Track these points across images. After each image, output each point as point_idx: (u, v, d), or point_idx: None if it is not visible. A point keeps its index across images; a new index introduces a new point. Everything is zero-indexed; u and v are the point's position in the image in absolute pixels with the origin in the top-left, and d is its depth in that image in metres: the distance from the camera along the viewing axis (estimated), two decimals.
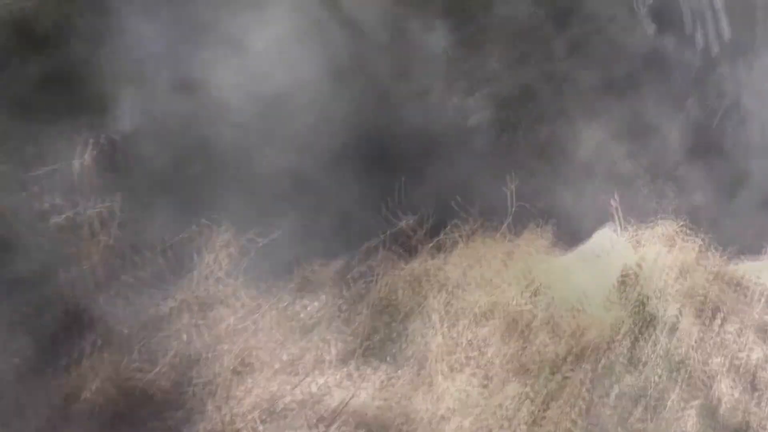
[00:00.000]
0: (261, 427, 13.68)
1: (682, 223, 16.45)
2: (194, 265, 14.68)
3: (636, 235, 16.02)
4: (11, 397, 13.00)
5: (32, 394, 13.18)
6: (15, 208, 14.36)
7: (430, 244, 15.52)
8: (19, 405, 13.00)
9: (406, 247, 15.59)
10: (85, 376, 13.47)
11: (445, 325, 14.75)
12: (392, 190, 15.45)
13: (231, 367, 14.08)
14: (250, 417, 13.69)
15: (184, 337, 14.26)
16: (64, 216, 14.31)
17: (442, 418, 13.83)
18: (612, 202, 16.47)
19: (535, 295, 14.86)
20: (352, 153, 15.80)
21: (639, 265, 15.11)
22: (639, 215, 16.57)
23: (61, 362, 13.63)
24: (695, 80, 19.40)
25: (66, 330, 14.01)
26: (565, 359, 14.40)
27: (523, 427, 13.87)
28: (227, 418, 13.50)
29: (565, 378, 14.23)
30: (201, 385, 13.95)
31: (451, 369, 14.44)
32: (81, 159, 14.46)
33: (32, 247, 14.31)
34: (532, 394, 14.11)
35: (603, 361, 14.35)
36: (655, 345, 14.55)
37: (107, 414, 13.32)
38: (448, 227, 15.55)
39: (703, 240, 16.23)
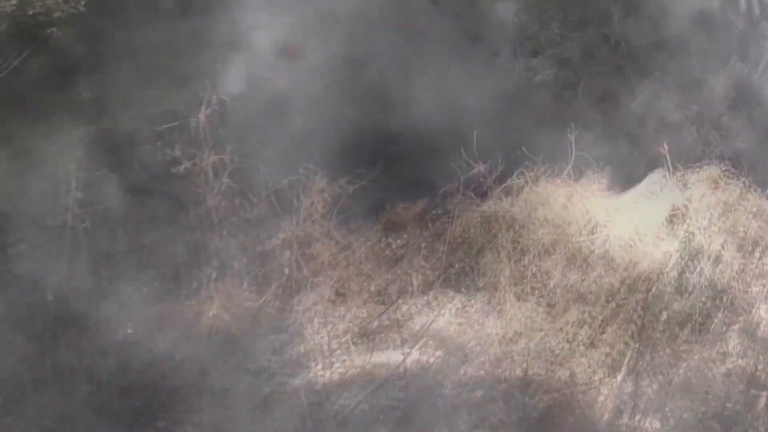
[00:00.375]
0: (353, 348, 13.93)
1: (725, 167, 16.25)
2: (295, 209, 14.94)
3: (683, 178, 15.86)
4: (151, 317, 13.50)
5: (165, 316, 13.67)
6: (146, 159, 14.83)
7: (500, 188, 15.57)
8: (157, 323, 13.48)
9: (479, 191, 15.66)
10: (204, 303, 13.93)
11: (513, 259, 14.85)
12: (467, 141, 15.47)
13: (327, 297, 14.36)
14: (344, 339, 14.00)
15: (286, 270, 14.60)
16: (183, 166, 14.72)
17: (511, 340, 13.93)
18: (662, 149, 16.31)
19: (593, 233, 14.93)
20: (431, 109, 15.86)
21: (686, 205, 14.99)
22: (686, 160, 16.40)
23: (184, 291, 14.11)
24: (738, 39, 19.12)
25: (188, 263, 14.48)
26: (619, 289, 14.46)
27: (582, 348, 13.95)
28: (324, 341, 13.77)
29: (619, 306, 14.28)
30: (301, 311, 14.29)
31: (518, 297, 14.55)
32: (197, 117, 14.86)
33: (160, 193, 14.75)
34: (589, 320, 14.20)
35: (653, 289, 14.36)
36: (701, 275, 14.51)
37: (222, 335, 13.71)
38: (516, 173, 15.60)
39: (744, 182, 16.06)
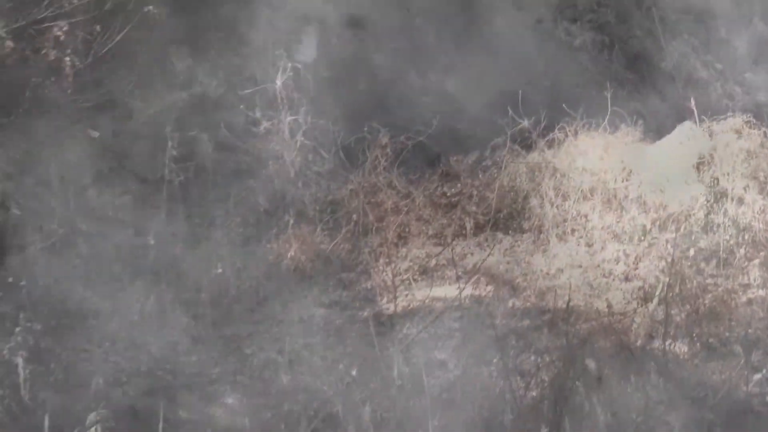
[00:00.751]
0: (414, 284, 14.02)
1: (747, 118, 15.83)
2: (361, 163, 15.01)
3: (709, 129, 15.51)
4: (237, 258, 13.75)
5: (252, 255, 13.93)
6: (231, 120, 15.11)
7: (543, 141, 15.39)
8: (243, 264, 13.74)
9: (525, 143, 15.54)
10: (283, 245, 14.05)
11: (555, 204, 14.79)
12: (513, 100, 15.35)
13: (390, 239, 14.43)
14: (406, 276, 14.10)
15: (354, 216, 14.66)
16: (263, 126, 14.94)
17: (554, 275, 13.98)
18: (689, 104, 16.10)
19: (627, 179, 14.77)
20: (481, 70, 15.87)
21: (711, 153, 14.71)
22: (711, 113, 16.05)
23: (266, 236, 14.27)
24: (760, 1, 18.71)
25: (268, 211, 14.65)
26: (651, 229, 14.35)
27: (617, 282, 13.90)
28: (388, 278, 13.77)
29: (651, 244, 14.18)
30: (368, 252, 14.43)
31: (560, 238, 14.57)
32: (274, 83, 14.94)
33: (244, 150, 15.04)
34: (624, 257, 14.14)
35: (682, 229, 14.23)
36: (725, 215, 14.31)
37: (300, 274, 13.88)
38: (557, 128, 15.38)
39: (765, 132, 15.63)
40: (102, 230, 13.37)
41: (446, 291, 13.85)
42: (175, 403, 11.82)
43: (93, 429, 11.23)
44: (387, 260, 14.11)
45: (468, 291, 13.71)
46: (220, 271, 13.53)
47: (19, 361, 11.34)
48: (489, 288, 13.90)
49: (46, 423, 10.67)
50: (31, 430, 10.86)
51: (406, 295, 13.81)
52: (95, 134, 13.97)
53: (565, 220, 14.70)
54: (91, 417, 11.25)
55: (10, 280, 12.12)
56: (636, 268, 14.02)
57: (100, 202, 13.69)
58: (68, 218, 13.17)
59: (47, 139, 13.36)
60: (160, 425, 11.00)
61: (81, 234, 13.15)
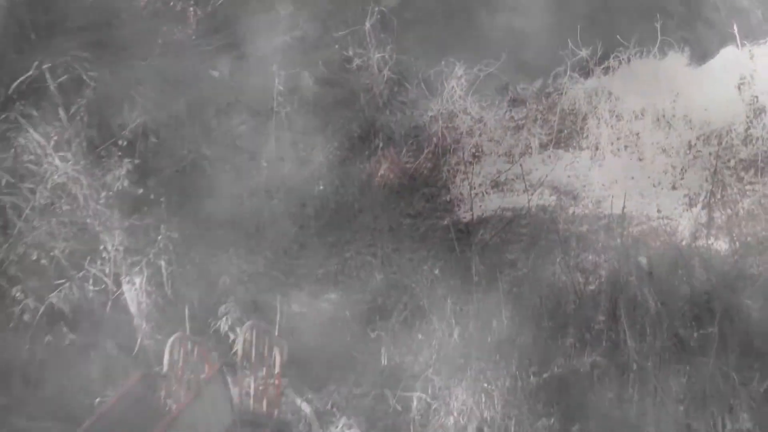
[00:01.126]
0: (487, 196, 14.21)
1: None
2: (439, 92, 15.01)
3: (750, 52, 15.13)
4: (337, 176, 14.13)
5: (348, 174, 14.31)
6: (328, 58, 15.34)
7: (600, 69, 15.29)
8: (341, 181, 14.13)
9: (584, 71, 15.45)
10: (374, 165, 14.45)
11: (610, 124, 14.72)
12: (573, 32, 15.17)
13: (466, 158, 14.52)
14: (480, 189, 14.24)
15: (434, 139, 14.85)
16: (355, 63, 15.07)
17: (609, 186, 14.00)
18: (732, 30, 15.78)
19: (674, 100, 14.56)
20: (544, 8, 15.65)
21: (751, 74, 14.39)
22: (753, 37, 15.69)
23: (361, 155, 14.66)
24: None
25: (361, 136, 14.91)
26: (695, 143, 14.22)
27: (665, 190, 13.94)
28: (465, 191, 14.02)
29: (696, 156, 14.10)
30: (447, 170, 14.59)
31: (614, 153, 14.56)
32: (364, 25, 15.01)
33: (339, 83, 15.19)
34: (671, 168, 14.11)
35: (724, 143, 14.04)
36: (763, 129, 14.12)
37: (388, 189, 14.28)
38: (612, 56, 15.25)
39: None
40: (223, 155, 13.68)
41: (515, 201, 14.05)
42: (288, 298, 12.38)
43: (223, 318, 12.02)
44: (463, 176, 14.24)
45: (534, 201, 13.86)
46: (321, 188, 13.94)
47: (162, 263, 12.08)
48: (552, 198, 14.03)
49: (186, 313, 11.30)
50: (175, 318, 11.57)
51: (480, 206, 13.98)
52: (216, 74, 14.30)
53: (618, 138, 14.62)
54: (222, 309, 12.09)
55: (152, 197, 12.64)
56: (682, 178, 13.97)
57: (221, 132, 14.01)
58: (196, 145, 13.54)
59: (177, 78, 13.59)
60: (278, 317, 11.59)
61: (206, 158, 13.51)
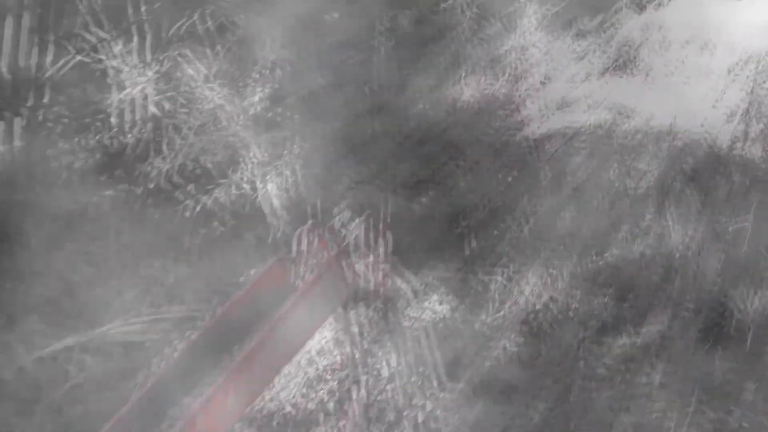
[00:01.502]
0: (553, 115, 14.36)
1: None
2: (515, 26, 15.26)
3: None
4: (428, 101, 14.45)
5: (437, 99, 14.47)
6: (422, 2, 15.29)
7: (653, 3, 15.39)
8: (431, 104, 14.42)
9: (639, 6, 15.56)
10: (459, 92, 14.56)
11: (661, 51, 14.84)
12: None
13: (536, 83, 14.75)
14: (548, 110, 14.38)
15: (509, 69, 15.01)
16: (442, 6, 15.18)
17: (661, 105, 14.11)
18: None
19: (719, 28, 14.60)
20: None
21: None
22: None
23: (447, 83, 14.63)
24: None
25: (447, 68, 14.91)
26: (736, 65, 14.21)
27: (707, 108, 13.93)
28: (535, 109, 14.25)
29: (735, 77, 14.05)
30: (519, 94, 14.71)
31: (665, 75, 14.58)
32: None
33: (430, 22, 15.19)
34: (713, 90, 14.13)
35: (760, 65, 14.02)
36: None
37: (472, 111, 14.34)
38: None
39: None
40: (337, 82, 14.02)
41: (577, 119, 14.27)
42: (388, 201, 12.83)
43: (337, 217, 12.60)
44: (533, 98, 14.55)
45: (592, 120, 14.11)
46: (415, 111, 14.29)
47: (288, 173, 12.70)
48: (609, 116, 14.20)
49: (308, 211, 12.30)
50: (300, 216, 12.43)
51: (547, 124, 14.19)
52: (335, 15, 14.47)
53: (667, 64, 14.68)
54: (336, 209, 12.69)
55: (279, 120, 13.20)
56: (722, 98, 13.98)
57: (334, 65, 14.20)
58: (315, 77, 13.83)
59: (303, 20, 14.03)
60: (381, 215, 12.32)
61: (323, 87, 13.82)
